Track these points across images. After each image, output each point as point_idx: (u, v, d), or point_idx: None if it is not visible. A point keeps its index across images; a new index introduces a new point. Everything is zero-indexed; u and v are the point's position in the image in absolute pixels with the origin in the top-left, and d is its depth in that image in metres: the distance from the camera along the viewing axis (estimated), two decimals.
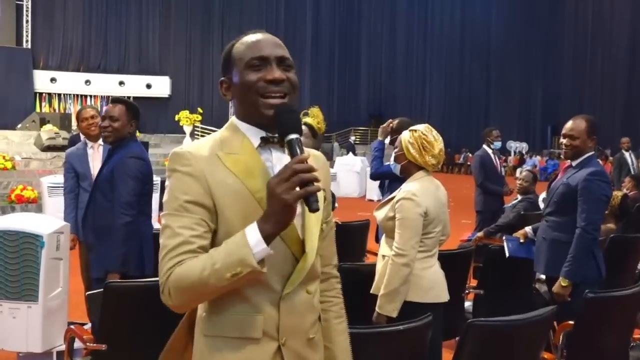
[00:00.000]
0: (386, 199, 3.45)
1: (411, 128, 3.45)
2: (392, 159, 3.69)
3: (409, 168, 3.40)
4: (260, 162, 1.71)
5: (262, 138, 1.72)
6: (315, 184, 1.52)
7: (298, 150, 1.58)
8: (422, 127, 3.41)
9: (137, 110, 4.18)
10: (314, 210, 1.53)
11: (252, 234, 1.54)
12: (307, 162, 1.53)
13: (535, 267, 4.33)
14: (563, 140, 4.09)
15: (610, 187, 4.11)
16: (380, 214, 3.42)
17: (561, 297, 3.90)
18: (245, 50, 1.72)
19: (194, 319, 1.77)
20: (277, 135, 1.69)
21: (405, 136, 3.41)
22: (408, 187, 3.31)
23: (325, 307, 1.91)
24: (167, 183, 1.66)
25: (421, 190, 3.28)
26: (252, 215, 1.60)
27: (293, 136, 1.60)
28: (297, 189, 1.51)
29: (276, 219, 1.54)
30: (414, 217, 3.23)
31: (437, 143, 3.35)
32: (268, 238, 1.54)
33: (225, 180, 1.64)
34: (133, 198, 3.88)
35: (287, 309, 1.69)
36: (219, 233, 1.64)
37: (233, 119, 1.78)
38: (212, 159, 1.66)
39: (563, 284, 3.89)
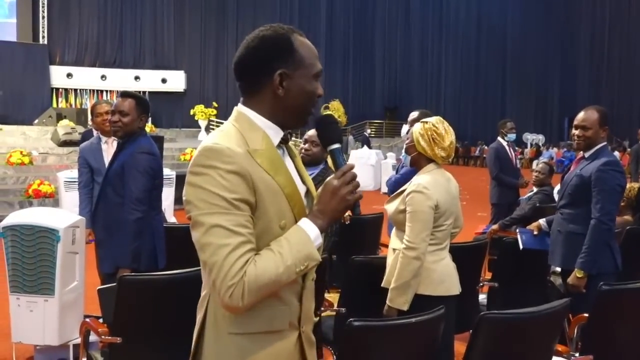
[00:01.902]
0: (397, 192, 3.44)
1: (422, 120, 3.44)
2: (403, 150, 3.68)
3: (419, 160, 3.39)
4: (281, 158, 1.74)
5: (282, 137, 1.77)
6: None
7: (343, 159, 1.73)
8: (433, 120, 3.40)
9: (147, 104, 4.17)
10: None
11: (310, 229, 1.65)
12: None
13: (550, 260, 4.30)
14: (575, 132, 4.07)
15: (624, 176, 4.08)
16: (391, 207, 3.41)
17: (576, 288, 3.88)
18: (312, 58, 1.76)
19: (204, 317, 1.74)
20: (289, 134, 1.80)
21: (417, 128, 3.40)
22: (419, 180, 3.30)
23: None
24: (197, 179, 1.60)
25: (432, 183, 3.27)
26: (284, 211, 1.67)
27: (337, 146, 1.77)
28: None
29: (333, 216, 1.68)
30: (425, 210, 3.22)
31: (448, 136, 3.33)
32: (322, 232, 1.67)
33: (262, 177, 1.65)
34: (143, 194, 3.89)
35: (305, 297, 1.78)
36: (256, 230, 1.63)
37: (245, 111, 1.75)
38: (247, 155, 1.64)
39: (578, 275, 3.87)
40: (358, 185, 1.70)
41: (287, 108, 1.73)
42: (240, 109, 1.77)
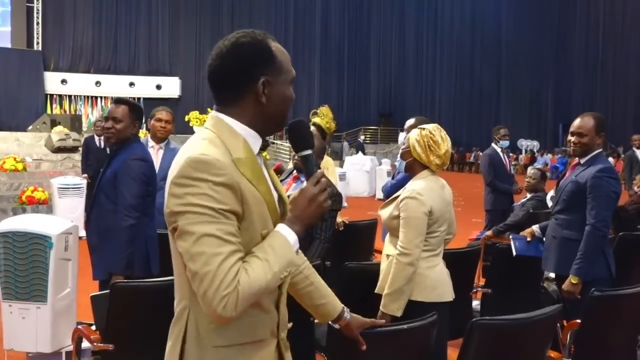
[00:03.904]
0: (391, 198, 3.44)
1: (420, 126, 3.45)
2: (398, 155, 3.69)
3: (414, 166, 3.39)
4: (260, 166, 1.74)
5: (261, 145, 1.76)
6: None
7: (314, 165, 1.77)
8: (430, 127, 3.39)
9: (141, 111, 4.17)
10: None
11: (289, 234, 1.66)
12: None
13: (544, 266, 4.30)
14: (571, 138, 4.08)
15: (619, 183, 4.10)
16: (385, 213, 3.41)
17: (571, 295, 3.87)
18: (287, 64, 1.75)
19: (185, 331, 1.70)
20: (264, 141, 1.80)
21: (413, 134, 3.40)
22: (413, 186, 3.30)
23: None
24: (184, 191, 1.56)
25: (426, 190, 3.27)
26: (265, 219, 1.67)
27: (308, 152, 1.78)
28: None
29: (309, 222, 1.71)
30: (419, 216, 3.22)
31: (444, 144, 3.33)
32: (299, 238, 1.69)
33: (247, 187, 1.63)
34: (136, 200, 3.88)
35: (282, 305, 1.79)
36: (241, 240, 1.62)
37: (224, 118, 1.72)
38: (232, 165, 1.62)
39: (573, 282, 3.86)
40: (330, 192, 1.76)
41: (268, 115, 1.72)
42: (217, 115, 1.73)
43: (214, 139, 1.67)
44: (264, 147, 1.78)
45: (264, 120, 1.73)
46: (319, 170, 1.75)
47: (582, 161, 4.05)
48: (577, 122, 4.08)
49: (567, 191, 4.06)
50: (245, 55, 1.69)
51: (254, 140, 1.73)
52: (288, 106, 1.77)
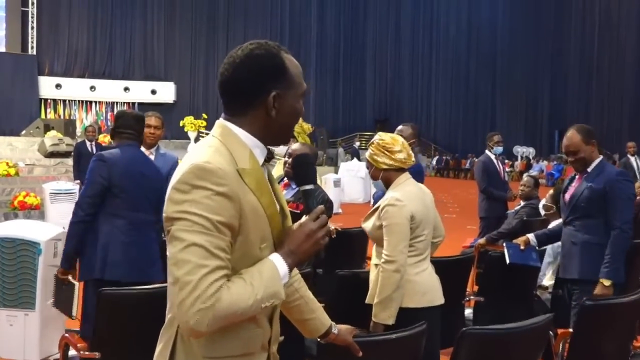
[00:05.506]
0: (372, 209, 3.43)
1: (369, 143, 3.51)
2: (371, 180, 3.70)
3: (389, 177, 3.40)
4: (266, 178, 1.72)
5: (266, 156, 1.75)
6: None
7: (315, 200, 1.76)
8: (376, 137, 3.47)
9: (118, 119, 4.19)
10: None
11: (281, 267, 1.63)
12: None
13: (565, 273, 4.19)
14: (569, 159, 4.17)
15: (634, 186, 4.14)
16: (368, 225, 3.41)
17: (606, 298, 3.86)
18: (299, 78, 1.74)
19: (174, 339, 1.69)
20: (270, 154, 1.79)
21: (368, 153, 3.47)
22: (391, 194, 3.31)
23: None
24: (183, 197, 1.55)
25: (405, 195, 3.28)
26: (265, 233, 1.65)
27: (310, 186, 1.79)
28: None
29: (304, 258, 1.69)
30: (401, 222, 3.22)
31: (396, 140, 3.39)
32: (290, 272, 1.66)
33: (249, 199, 1.61)
34: (83, 200, 3.84)
35: (275, 319, 1.78)
36: (235, 254, 1.60)
37: (232, 127, 1.70)
38: (236, 175, 1.60)
39: (606, 284, 3.83)
40: (329, 229, 1.72)
41: (276, 128, 1.71)
42: (225, 124, 1.71)
43: (220, 147, 1.65)
44: (268, 158, 1.77)
45: (271, 133, 1.72)
46: (319, 206, 1.72)
47: (590, 170, 4.07)
48: (565, 142, 4.14)
49: (583, 198, 4.05)
50: (258, 68, 1.67)
51: (260, 152, 1.72)
52: (297, 120, 1.76)
